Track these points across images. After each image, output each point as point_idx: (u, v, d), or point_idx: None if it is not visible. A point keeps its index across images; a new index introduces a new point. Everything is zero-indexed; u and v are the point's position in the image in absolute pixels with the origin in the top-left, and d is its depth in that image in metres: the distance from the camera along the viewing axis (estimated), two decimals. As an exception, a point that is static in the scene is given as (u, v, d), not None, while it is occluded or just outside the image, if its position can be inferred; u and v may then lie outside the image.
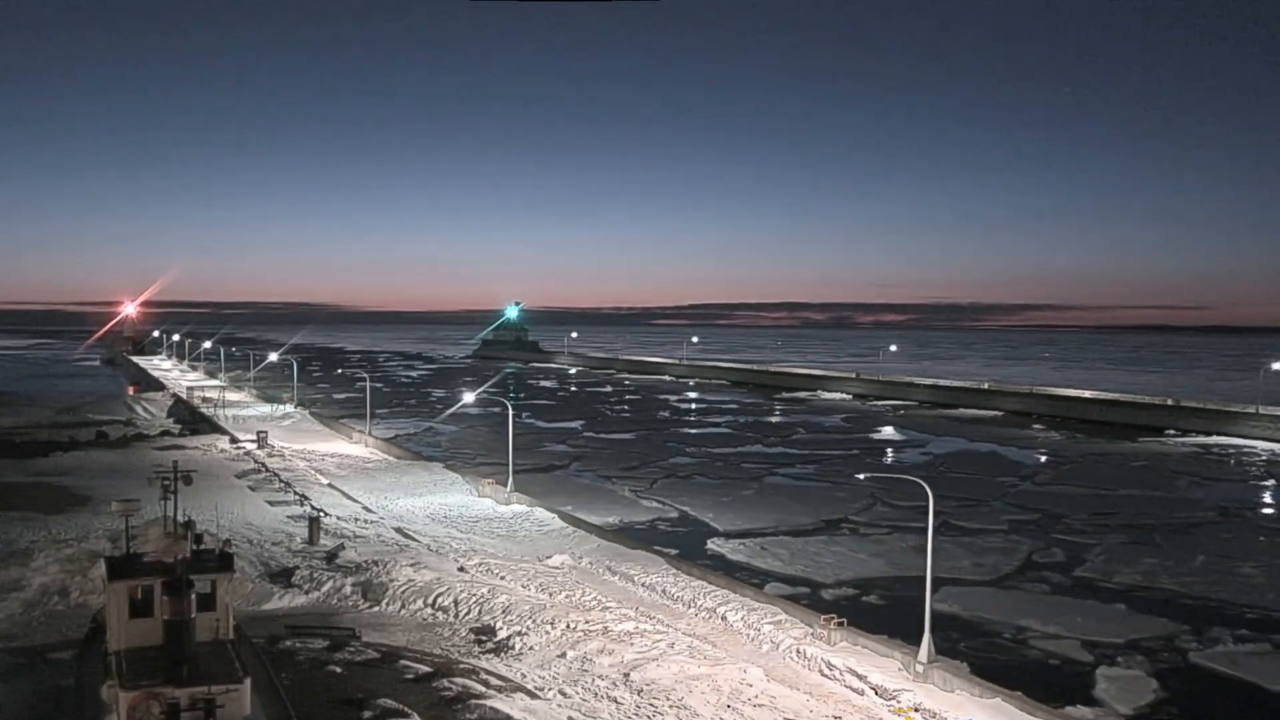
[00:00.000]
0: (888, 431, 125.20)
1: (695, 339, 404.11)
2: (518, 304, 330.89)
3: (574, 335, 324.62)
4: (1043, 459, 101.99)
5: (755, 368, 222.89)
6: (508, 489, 64.89)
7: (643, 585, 44.01)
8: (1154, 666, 40.08)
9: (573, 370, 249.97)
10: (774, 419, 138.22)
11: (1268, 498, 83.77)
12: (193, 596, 23.98)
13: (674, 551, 53.03)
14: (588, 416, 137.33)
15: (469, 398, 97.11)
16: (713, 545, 59.70)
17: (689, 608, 40.92)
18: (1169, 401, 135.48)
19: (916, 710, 30.33)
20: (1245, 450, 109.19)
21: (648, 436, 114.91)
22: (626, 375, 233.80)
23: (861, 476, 58.91)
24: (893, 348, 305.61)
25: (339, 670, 32.38)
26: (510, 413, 73.10)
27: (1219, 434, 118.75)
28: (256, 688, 23.94)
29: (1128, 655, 41.18)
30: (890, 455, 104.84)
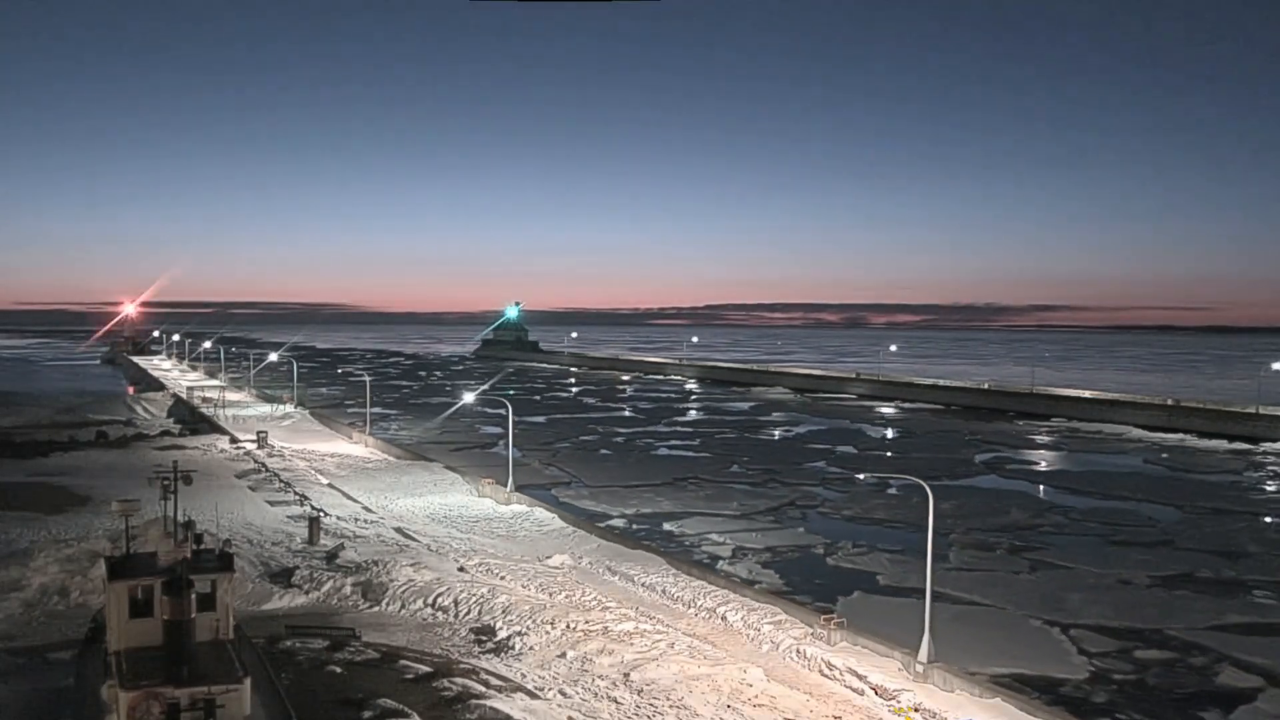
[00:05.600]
0: (777, 415, 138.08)
1: (695, 339, 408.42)
2: (518, 304, 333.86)
3: (574, 335, 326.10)
4: (890, 435, 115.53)
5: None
6: (508, 489, 64.89)
7: (643, 585, 44.04)
8: (774, 559, 53.63)
9: (561, 369, 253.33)
10: (683, 405, 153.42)
11: (1029, 458, 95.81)
12: (193, 596, 23.97)
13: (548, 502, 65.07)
14: (533, 406, 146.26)
15: (469, 398, 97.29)
16: (558, 492, 73.95)
17: (689, 608, 40.94)
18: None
19: (916, 710, 30.33)
20: (1085, 432, 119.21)
21: (571, 420, 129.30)
22: (600, 372, 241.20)
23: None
24: (893, 347, 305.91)
25: (339, 670, 32.35)
26: (510, 411, 73.12)
27: (1101, 421, 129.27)
28: (256, 688, 23.90)
29: (758, 554, 54.75)
30: (765, 433, 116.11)
